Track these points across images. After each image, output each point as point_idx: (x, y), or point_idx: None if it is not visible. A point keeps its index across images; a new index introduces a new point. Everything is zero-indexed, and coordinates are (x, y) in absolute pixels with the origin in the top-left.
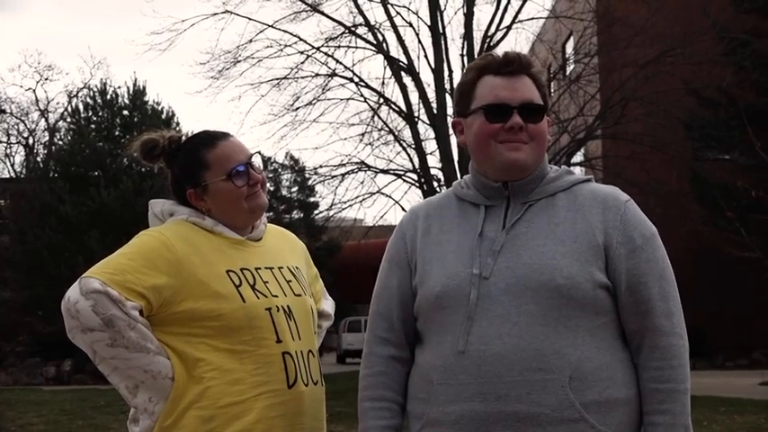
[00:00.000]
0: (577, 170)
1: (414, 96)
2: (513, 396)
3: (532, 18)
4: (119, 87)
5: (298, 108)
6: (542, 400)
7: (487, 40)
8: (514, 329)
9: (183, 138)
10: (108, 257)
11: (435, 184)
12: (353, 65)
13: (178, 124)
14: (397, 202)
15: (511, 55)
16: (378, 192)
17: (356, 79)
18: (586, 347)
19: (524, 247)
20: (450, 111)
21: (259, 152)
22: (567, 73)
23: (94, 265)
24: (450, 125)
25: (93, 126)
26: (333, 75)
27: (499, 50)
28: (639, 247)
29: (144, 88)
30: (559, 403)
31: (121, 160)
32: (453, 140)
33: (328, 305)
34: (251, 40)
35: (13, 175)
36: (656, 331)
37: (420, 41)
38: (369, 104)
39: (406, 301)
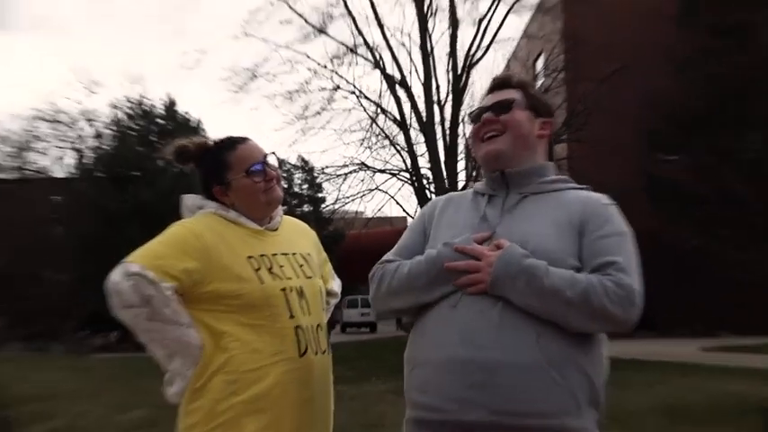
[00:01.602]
0: None
1: (406, 107)
2: (489, 346)
3: (508, 38)
4: (154, 100)
5: (307, 117)
6: (514, 351)
7: (469, 58)
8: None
9: (209, 143)
10: (146, 245)
11: (425, 181)
12: (354, 80)
13: (204, 131)
14: (392, 197)
15: (495, 78)
16: (376, 188)
17: (357, 92)
18: None
19: (516, 226)
20: (437, 119)
21: (273, 152)
22: (538, 86)
23: (134, 251)
24: (437, 131)
25: (133, 133)
26: (337, 88)
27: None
28: (607, 236)
29: (175, 101)
30: (529, 356)
31: (157, 162)
32: (440, 144)
33: (336, 284)
34: (266, 59)
35: (65, 175)
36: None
37: (411, 59)
38: (368, 114)
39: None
